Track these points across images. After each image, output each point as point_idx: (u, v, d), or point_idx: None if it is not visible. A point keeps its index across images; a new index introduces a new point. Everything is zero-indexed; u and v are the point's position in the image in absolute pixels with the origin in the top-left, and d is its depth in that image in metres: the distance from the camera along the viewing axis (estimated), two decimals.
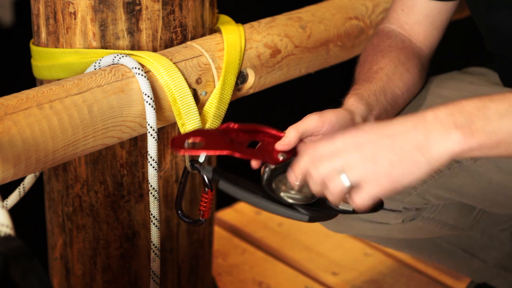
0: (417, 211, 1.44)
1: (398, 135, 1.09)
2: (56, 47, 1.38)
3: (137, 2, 1.33)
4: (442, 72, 1.56)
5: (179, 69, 1.33)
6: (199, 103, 1.37)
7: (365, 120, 1.33)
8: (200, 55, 1.37)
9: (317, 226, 2.03)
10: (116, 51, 1.34)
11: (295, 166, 1.15)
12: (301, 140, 1.29)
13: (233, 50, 1.40)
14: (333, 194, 1.11)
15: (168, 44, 1.39)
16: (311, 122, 1.27)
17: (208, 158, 1.28)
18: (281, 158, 1.26)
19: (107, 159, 1.42)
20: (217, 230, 2.02)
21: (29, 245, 0.92)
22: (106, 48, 1.36)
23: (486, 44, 1.47)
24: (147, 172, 1.35)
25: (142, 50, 1.37)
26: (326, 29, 1.54)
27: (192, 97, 1.34)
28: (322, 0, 1.62)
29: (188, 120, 1.34)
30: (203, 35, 1.44)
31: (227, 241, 2.00)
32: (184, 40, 1.41)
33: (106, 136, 1.27)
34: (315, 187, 1.13)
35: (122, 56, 1.32)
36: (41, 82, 1.42)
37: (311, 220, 1.22)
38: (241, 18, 1.49)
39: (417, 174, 1.08)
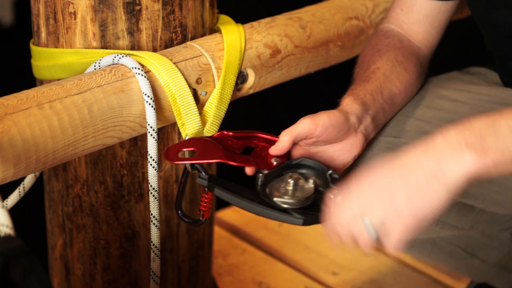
0: None
1: (409, 165, 1.07)
2: (56, 47, 1.38)
3: (137, 2, 1.33)
4: (442, 72, 1.56)
5: (179, 69, 1.33)
6: (199, 103, 1.37)
7: (360, 119, 1.33)
8: (200, 55, 1.37)
9: (317, 226, 2.03)
10: (116, 51, 1.34)
11: (327, 227, 1.13)
12: (295, 143, 1.30)
13: (233, 50, 1.40)
14: (363, 244, 1.10)
15: (168, 44, 1.39)
16: (304, 126, 1.28)
17: (208, 163, 1.29)
18: (275, 163, 1.28)
19: (107, 159, 1.42)
20: (217, 230, 2.02)
21: (29, 245, 0.92)
22: (106, 48, 1.36)
23: (487, 43, 1.47)
24: (147, 172, 1.35)
25: (142, 50, 1.37)
26: (326, 29, 1.54)
27: (192, 97, 1.34)
28: (322, 0, 1.62)
29: (188, 120, 1.34)
30: (203, 35, 1.44)
31: (227, 241, 2.00)
32: (184, 40, 1.41)
33: (106, 136, 1.27)
34: (347, 242, 1.12)
35: (122, 56, 1.32)
36: (41, 82, 1.42)
37: (305, 223, 1.24)
38: (241, 18, 1.49)
39: (437, 201, 1.05)
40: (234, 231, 2.04)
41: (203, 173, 1.27)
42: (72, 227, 1.48)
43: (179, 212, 1.35)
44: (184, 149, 1.27)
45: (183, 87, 1.33)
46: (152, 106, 1.29)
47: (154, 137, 1.31)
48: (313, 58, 1.53)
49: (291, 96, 2.16)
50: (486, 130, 1.05)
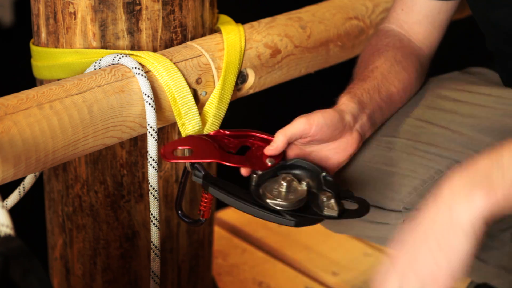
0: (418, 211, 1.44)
1: (426, 226, 1.06)
2: (56, 47, 1.38)
3: (137, 2, 1.33)
4: (442, 72, 1.56)
5: (179, 69, 1.33)
6: (199, 103, 1.37)
7: (356, 118, 1.33)
8: (200, 55, 1.37)
9: (317, 226, 2.03)
10: (116, 51, 1.34)
11: None
12: (290, 143, 1.31)
13: (233, 50, 1.40)
14: None
15: (168, 44, 1.39)
16: (298, 125, 1.28)
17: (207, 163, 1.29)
18: (269, 163, 1.29)
19: (107, 159, 1.42)
20: (217, 230, 2.02)
21: (29, 245, 0.92)
22: (106, 48, 1.36)
23: (487, 43, 1.47)
24: (147, 172, 1.35)
25: (142, 50, 1.37)
26: (326, 29, 1.54)
27: (192, 97, 1.34)
28: (322, 0, 1.62)
29: (188, 120, 1.34)
30: (203, 35, 1.44)
31: (227, 241, 2.00)
32: (184, 40, 1.41)
33: (106, 136, 1.27)
34: None
35: (122, 56, 1.32)
36: (41, 82, 1.42)
37: (297, 225, 1.25)
38: (241, 18, 1.49)
39: (461, 251, 1.03)
40: (234, 231, 2.04)
41: (199, 172, 1.27)
42: (72, 227, 1.48)
43: (179, 212, 1.35)
44: (180, 148, 1.28)
45: (183, 87, 1.33)
46: (152, 106, 1.29)
47: (154, 137, 1.31)
48: (313, 58, 1.53)
49: (291, 96, 2.16)
50: (490, 166, 1.03)
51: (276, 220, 1.24)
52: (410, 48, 1.47)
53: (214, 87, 1.38)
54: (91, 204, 1.45)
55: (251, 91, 1.46)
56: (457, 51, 2.16)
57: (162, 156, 1.26)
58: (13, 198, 1.40)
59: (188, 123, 1.34)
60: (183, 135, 1.35)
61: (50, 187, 1.50)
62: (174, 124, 1.42)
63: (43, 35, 1.39)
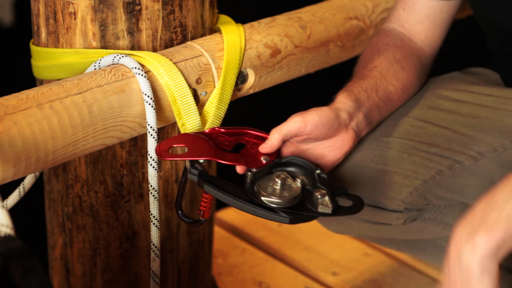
0: (419, 211, 1.44)
1: (446, 285, 1.08)
2: (56, 47, 1.38)
3: (137, 2, 1.33)
4: (442, 72, 1.56)
5: (179, 69, 1.33)
6: (199, 103, 1.37)
7: (352, 116, 1.34)
8: (200, 55, 1.37)
9: (317, 226, 2.03)
10: (116, 51, 1.34)
11: None
12: (286, 141, 1.31)
13: (233, 50, 1.40)
14: None
15: (168, 44, 1.39)
16: (293, 123, 1.29)
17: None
18: (264, 161, 1.29)
19: (107, 159, 1.42)
20: (217, 230, 2.02)
21: (29, 245, 0.92)
22: (106, 48, 1.36)
23: (489, 42, 1.47)
24: (147, 172, 1.35)
25: (142, 50, 1.37)
26: (326, 29, 1.54)
27: (192, 97, 1.34)
28: (322, 0, 1.62)
29: (188, 120, 1.34)
30: (203, 35, 1.44)
31: (227, 241, 2.00)
32: (184, 40, 1.41)
33: (106, 136, 1.27)
34: None
35: (122, 56, 1.31)
36: (41, 82, 1.42)
37: (292, 222, 1.25)
38: (241, 18, 1.49)
39: None
40: (234, 231, 2.04)
41: (194, 169, 1.27)
42: (72, 227, 1.48)
43: (179, 212, 1.35)
44: (175, 145, 1.28)
45: (183, 87, 1.33)
46: (152, 106, 1.29)
47: (154, 137, 1.31)
48: (313, 58, 1.53)
49: (291, 96, 2.16)
50: (486, 209, 1.05)
51: (270, 217, 1.25)
52: (411, 48, 1.47)
53: (214, 87, 1.38)
54: (91, 204, 1.45)
55: (251, 91, 1.46)
56: (457, 51, 2.16)
57: (157, 154, 1.26)
58: (13, 198, 1.40)
59: (188, 123, 1.34)
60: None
61: (50, 187, 1.50)
62: (174, 124, 1.41)
63: (43, 35, 1.39)
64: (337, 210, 1.25)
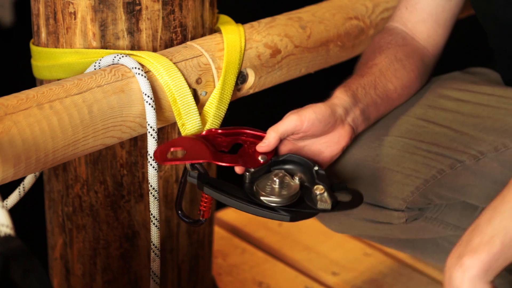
0: (420, 211, 1.44)
1: None
2: (56, 47, 1.38)
3: (137, 2, 1.33)
4: (443, 72, 1.57)
5: (179, 69, 1.33)
6: (199, 103, 1.37)
7: (348, 111, 1.34)
8: (200, 55, 1.37)
9: (317, 226, 2.03)
10: (116, 51, 1.34)
11: None
12: (283, 139, 1.32)
13: (233, 50, 1.40)
14: None
15: (168, 44, 1.39)
16: (290, 122, 1.30)
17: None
18: (262, 160, 1.30)
19: (107, 159, 1.42)
20: (217, 230, 2.02)
21: (29, 245, 0.92)
22: (106, 48, 1.36)
23: (490, 41, 1.47)
24: (147, 172, 1.35)
25: (142, 50, 1.37)
26: (326, 29, 1.54)
27: (192, 97, 1.34)
28: (322, 0, 1.62)
29: (188, 120, 1.34)
30: (203, 35, 1.44)
31: (227, 241, 2.00)
32: (184, 40, 1.41)
33: (106, 136, 1.27)
34: None
35: (122, 56, 1.31)
36: (41, 82, 1.42)
37: (292, 220, 1.26)
38: (241, 18, 1.49)
39: None
40: (234, 231, 2.04)
41: (193, 172, 1.28)
42: (72, 227, 1.48)
43: (179, 212, 1.35)
44: (173, 149, 1.28)
45: (183, 87, 1.33)
46: (152, 106, 1.29)
47: (154, 137, 1.31)
48: (313, 58, 1.53)
49: (291, 96, 2.15)
50: (470, 235, 1.11)
51: (271, 216, 1.26)
52: (413, 47, 1.48)
53: (214, 87, 1.38)
54: (91, 204, 1.45)
55: (251, 91, 1.46)
56: (457, 51, 2.17)
57: (155, 158, 1.26)
58: (13, 198, 1.40)
59: (188, 123, 1.34)
60: (183, 135, 1.35)
61: (50, 187, 1.50)
62: (174, 124, 1.41)
63: (43, 35, 1.39)
64: (336, 206, 1.26)
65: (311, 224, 2.04)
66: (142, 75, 1.29)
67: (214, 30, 1.47)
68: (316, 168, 1.29)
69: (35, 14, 1.39)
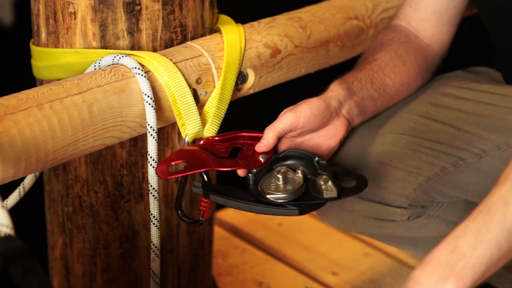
0: (423, 208, 1.44)
1: None
2: (56, 47, 1.38)
3: (137, 2, 1.33)
4: (445, 71, 1.57)
5: (179, 69, 1.33)
6: (199, 103, 1.37)
7: (342, 103, 1.36)
8: (200, 55, 1.37)
9: (317, 226, 2.03)
10: (116, 51, 1.34)
11: None
12: (281, 137, 1.32)
13: (233, 50, 1.40)
14: None
15: (168, 44, 1.39)
16: (286, 120, 1.31)
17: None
18: (262, 160, 1.31)
19: (107, 159, 1.42)
20: (217, 230, 2.02)
21: (29, 245, 0.92)
22: (106, 48, 1.36)
23: (492, 39, 1.47)
24: (147, 172, 1.35)
25: (142, 50, 1.37)
26: (326, 29, 1.54)
27: (192, 97, 1.34)
28: (322, 0, 1.62)
29: (188, 120, 1.34)
30: (203, 35, 1.44)
31: (227, 241, 2.00)
32: (184, 40, 1.41)
33: (106, 136, 1.27)
34: None
35: (122, 56, 1.31)
36: (41, 82, 1.42)
37: (301, 213, 1.26)
38: (241, 18, 1.49)
39: None
40: (234, 231, 2.04)
41: (197, 181, 1.29)
42: (72, 227, 1.48)
43: (179, 212, 1.35)
44: (173, 163, 1.29)
45: (183, 87, 1.33)
46: (152, 106, 1.29)
47: (154, 137, 1.31)
48: (313, 58, 1.53)
49: (291, 96, 2.15)
50: (451, 257, 1.09)
51: (280, 213, 1.26)
52: (415, 44, 1.48)
53: (214, 87, 1.38)
54: (91, 204, 1.45)
55: (251, 91, 1.46)
56: (459, 51, 2.17)
57: (158, 174, 1.27)
58: (13, 198, 1.40)
59: (188, 123, 1.34)
60: (183, 135, 1.35)
61: (50, 187, 1.50)
62: (174, 124, 1.42)
63: (43, 35, 1.39)
64: (343, 192, 1.27)
65: (311, 224, 2.04)
66: (142, 75, 1.29)
67: (214, 30, 1.47)
68: (316, 159, 1.30)
69: (35, 14, 1.39)
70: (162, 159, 1.32)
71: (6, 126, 1.15)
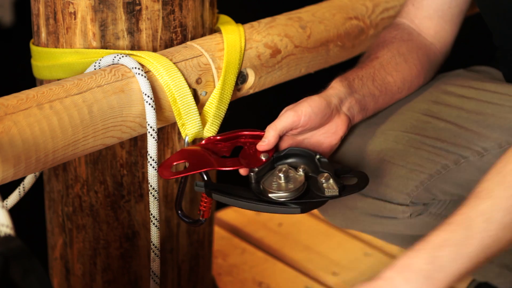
0: (424, 206, 1.44)
1: None
2: (56, 47, 1.38)
3: (137, 2, 1.33)
4: (446, 70, 1.57)
5: (179, 69, 1.33)
6: (199, 103, 1.37)
7: (343, 100, 1.36)
8: (200, 55, 1.37)
9: (317, 226, 2.03)
10: (116, 51, 1.34)
11: None
12: (282, 135, 1.33)
13: (233, 50, 1.40)
14: None
15: (168, 44, 1.39)
16: (287, 118, 1.32)
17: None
18: (264, 158, 1.31)
19: (107, 159, 1.42)
20: (217, 230, 2.02)
21: (29, 245, 0.92)
22: (106, 48, 1.36)
23: (494, 37, 1.47)
24: (147, 172, 1.35)
25: (142, 50, 1.37)
26: (326, 29, 1.54)
27: (192, 97, 1.34)
28: (322, 0, 1.62)
29: (188, 120, 1.34)
30: (203, 35, 1.44)
31: (227, 241, 2.00)
32: (184, 40, 1.41)
33: (106, 136, 1.27)
34: None
35: (122, 56, 1.31)
36: (41, 82, 1.42)
37: (303, 211, 1.27)
38: (241, 18, 1.49)
39: None
40: (234, 231, 2.04)
41: (199, 180, 1.29)
42: (72, 227, 1.48)
43: (179, 212, 1.35)
44: (175, 163, 1.29)
45: (183, 87, 1.33)
46: (152, 106, 1.29)
47: (154, 137, 1.31)
48: (313, 58, 1.53)
49: (291, 96, 2.15)
50: (430, 267, 1.08)
51: (282, 211, 1.27)
52: (418, 42, 1.48)
53: (214, 87, 1.38)
54: (91, 204, 1.45)
55: (251, 91, 1.46)
56: (461, 50, 2.17)
57: (160, 175, 1.27)
58: (13, 198, 1.40)
59: (188, 123, 1.34)
60: (183, 135, 1.35)
61: (50, 187, 1.50)
62: (174, 124, 1.41)
63: (43, 35, 1.39)
64: (344, 190, 1.27)
65: (311, 224, 2.04)
66: (142, 75, 1.29)
67: (214, 30, 1.47)
68: (318, 156, 1.31)
69: (35, 14, 1.39)
70: (164, 160, 1.32)
71: (6, 126, 1.15)
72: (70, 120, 1.22)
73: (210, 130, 1.37)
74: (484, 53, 1.69)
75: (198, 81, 1.36)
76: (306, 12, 1.55)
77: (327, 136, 1.36)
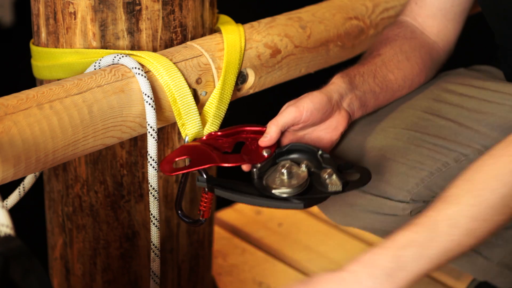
0: (425, 203, 1.44)
1: None
2: (56, 47, 1.38)
3: (137, 2, 1.33)
4: (447, 69, 1.57)
5: (179, 69, 1.33)
6: (199, 103, 1.37)
7: (343, 96, 1.37)
8: (200, 55, 1.37)
9: (317, 226, 2.03)
10: (116, 51, 1.34)
11: None
12: (284, 131, 1.33)
13: (233, 50, 1.40)
14: None
15: (168, 44, 1.39)
16: (289, 114, 1.32)
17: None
18: (266, 154, 1.31)
19: (107, 159, 1.42)
20: (217, 230, 2.02)
21: (29, 245, 0.92)
22: (106, 48, 1.36)
23: (496, 36, 1.47)
24: (147, 172, 1.35)
25: (142, 50, 1.37)
26: (326, 29, 1.54)
27: (192, 97, 1.34)
28: (322, 0, 1.62)
29: (188, 120, 1.34)
30: (203, 35, 1.44)
31: (227, 241, 2.00)
32: (184, 40, 1.41)
33: (106, 136, 1.27)
34: None
35: (122, 56, 1.31)
36: (41, 82, 1.42)
37: (306, 206, 1.27)
38: (241, 18, 1.49)
39: None
40: (234, 231, 2.04)
41: (201, 176, 1.29)
42: (72, 227, 1.48)
43: (179, 212, 1.35)
44: (177, 159, 1.29)
45: (183, 87, 1.33)
46: (152, 106, 1.29)
47: (154, 137, 1.31)
48: (313, 58, 1.53)
49: (291, 96, 2.15)
50: (392, 265, 1.10)
51: (285, 207, 1.27)
52: (421, 41, 1.49)
53: (214, 87, 1.38)
54: (91, 204, 1.45)
55: (251, 91, 1.46)
56: (461, 49, 2.17)
57: (162, 170, 1.27)
58: (13, 198, 1.40)
59: (188, 123, 1.34)
60: (183, 135, 1.35)
61: (50, 187, 1.50)
62: (174, 124, 1.42)
63: (43, 35, 1.39)
64: (347, 186, 1.27)
65: (311, 224, 2.04)
66: (142, 75, 1.29)
67: (214, 30, 1.47)
68: (320, 152, 1.31)
69: (35, 14, 1.39)
70: (166, 156, 1.31)
71: (6, 126, 1.15)
72: (70, 120, 1.22)
73: (210, 130, 1.37)
74: (485, 52, 1.69)
75: (198, 81, 1.36)
76: (306, 12, 1.55)
77: (327, 132, 1.37)
